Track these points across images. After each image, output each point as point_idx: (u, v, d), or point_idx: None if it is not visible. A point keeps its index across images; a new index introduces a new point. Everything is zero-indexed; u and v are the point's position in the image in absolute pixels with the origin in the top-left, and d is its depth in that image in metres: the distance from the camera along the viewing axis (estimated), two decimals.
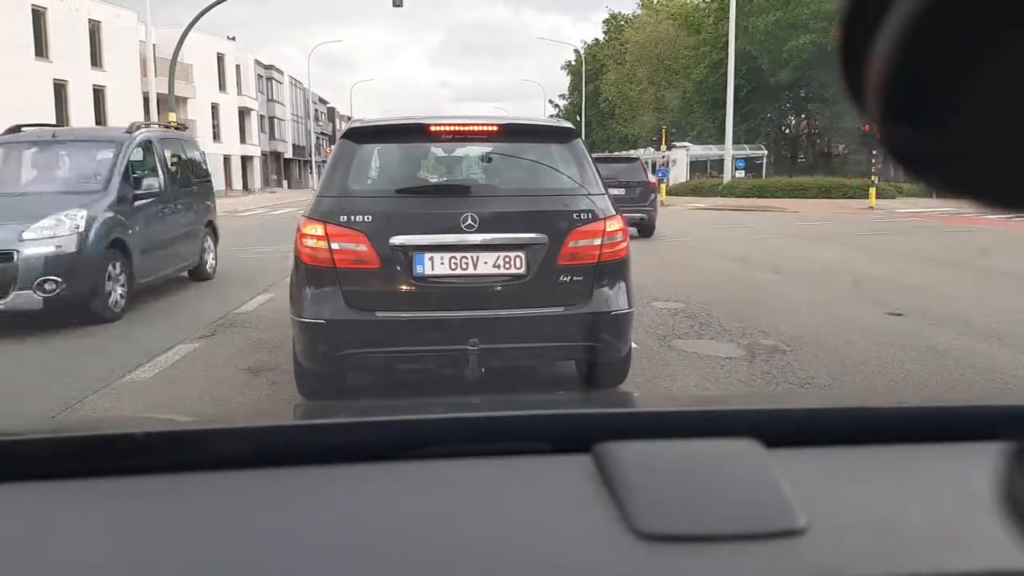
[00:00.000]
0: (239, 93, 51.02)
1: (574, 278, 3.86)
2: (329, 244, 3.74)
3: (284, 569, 0.74)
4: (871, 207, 25.18)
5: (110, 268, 6.87)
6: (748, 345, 5.71)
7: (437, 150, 4.86)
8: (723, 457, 0.91)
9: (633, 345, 4.35)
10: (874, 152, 26.38)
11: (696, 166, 43.63)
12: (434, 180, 4.77)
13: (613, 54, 58.91)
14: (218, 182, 46.01)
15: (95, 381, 4.82)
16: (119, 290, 6.99)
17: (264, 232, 17.39)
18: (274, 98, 60.98)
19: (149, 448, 0.97)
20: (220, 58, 47.97)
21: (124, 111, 37.45)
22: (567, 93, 78.08)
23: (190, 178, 9.55)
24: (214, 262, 10.04)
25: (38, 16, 32.57)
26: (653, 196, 15.09)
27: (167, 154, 8.81)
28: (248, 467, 0.93)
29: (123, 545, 0.79)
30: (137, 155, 8.00)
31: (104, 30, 36.54)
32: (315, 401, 4.05)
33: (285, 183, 64.04)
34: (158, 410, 4.61)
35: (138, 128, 8.55)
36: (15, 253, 6.25)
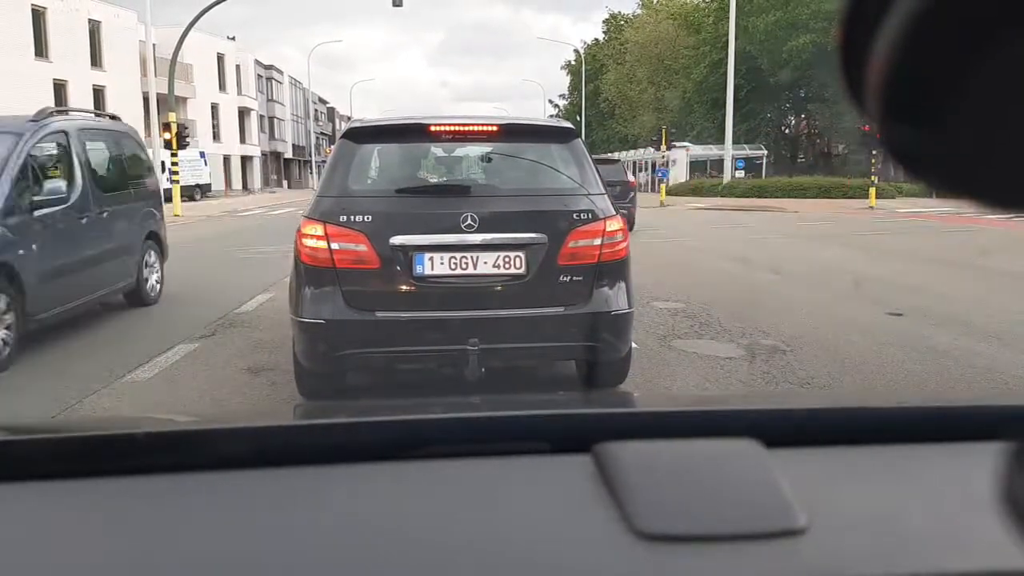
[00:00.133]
0: (239, 93, 51.02)
1: (574, 278, 3.86)
2: (329, 244, 3.74)
3: (284, 569, 0.74)
4: (871, 207, 25.20)
5: None
6: (748, 345, 5.71)
7: (437, 150, 4.87)
8: (723, 457, 0.91)
9: (633, 345, 4.35)
10: (874, 152, 26.40)
11: (696, 166, 43.62)
12: (434, 180, 4.77)
13: (613, 54, 58.89)
14: (218, 182, 46.15)
15: (95, 381, 4.82)
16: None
17: (264, 232, 17.39)
18: (274, 98, 60.99)
19: (149, 448, 0.97)
20: (220, 58, 47.98)
21: (124, 111, 37.40)
22: (567, 93, 78.12)
23: (124, 180, 7.58)
24: (158, 283, 8.08)
25: (38, 16, 32.57)
26: (632, 194, 16.64)
27: (92, 149, 7.00)
28: (248, 467, 0.93)
29: (123, 545, 0.79)
30: (44, 150, 6.34)
31: (104, 30, 36.54)
32: (315, 401, 4.05)
33: (285, 183, 64.05)
34: (158, 410, 4.62)
35: (49, 115, 6.64)
36: None
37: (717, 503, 0.81)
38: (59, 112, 7.35)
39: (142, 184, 8.04)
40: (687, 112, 48.97)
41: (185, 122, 31.27)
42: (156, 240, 8.23)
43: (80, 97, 34.70)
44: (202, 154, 38.96)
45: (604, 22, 67.18)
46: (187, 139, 24.59)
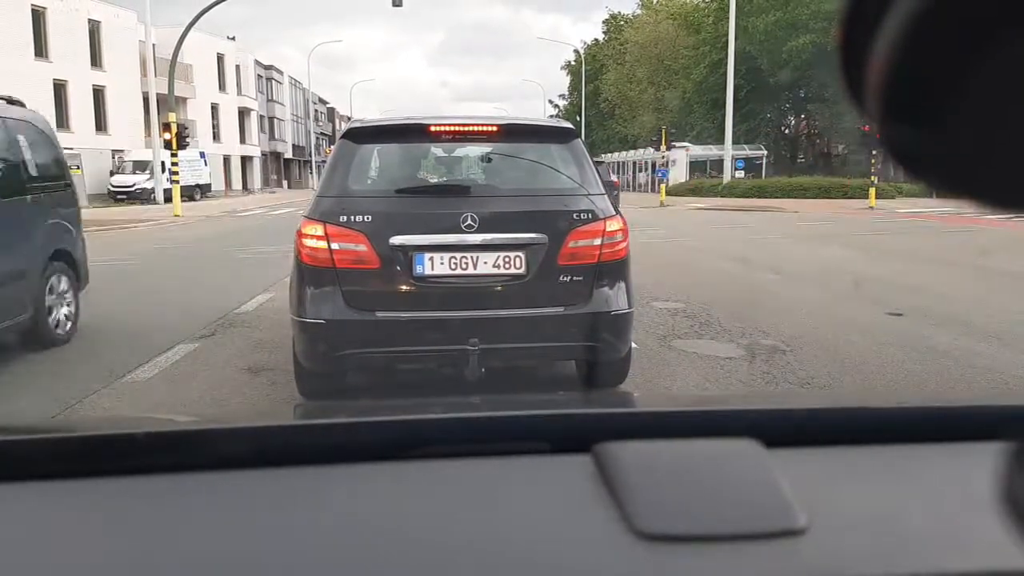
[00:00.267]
0: (239, 93, 51.02)
1: (574, 278, 3.86)
2: (329, 244, 3.74)
3: (284, 569, 0.74)
4: (871, 207, 25.21)
5: None
6: (748, 345, 5.71)
7: (437, 150, 4.86)
8: (723, 457, 0.91)
9: (633, 345, 4.35)
10: (874, 152, 26.42)
11: (696, 166, 43.64)
12: (434, 180, 4.77)
13: (613, 54, 58.91)
14: (218, 182, 46.17)
15: (95, 381, 4.82)
16: None
17: (264, 232, 17.39)
18: (274, 98, 60.98)
19: (149, 448, 0.97)
20: (220, 58, 47.98)
21: (124, 111, 37.50)
22: (567, 93, 78.13)
23: (18, 183, 5.74)
24: (69, 318, 6.13)
25: (38, 16, 32.58)
26: (616, 193, 17.11)
27: None
28: (248, 467, 0.93)
29: (123, 545, 0.79)
30: None
31: (104, 30, 36.55)
32: (315, 401, 4.05)
33: (285, 183, 64.05)
34: (158, 410, 4.61)
35: None
36: None
37: (717, 503, 0.81)
38: None
39: (48, 188, 6.15)
40: (687, 112, 48.98)
41: (185, 122, 31.28)
42: (68, 261, 6.22)
43: (80, 97, 34.75)
44: (202, 154, 38.97)
45: (604, 22, 67.27)
46: (187, 139, 24.60)
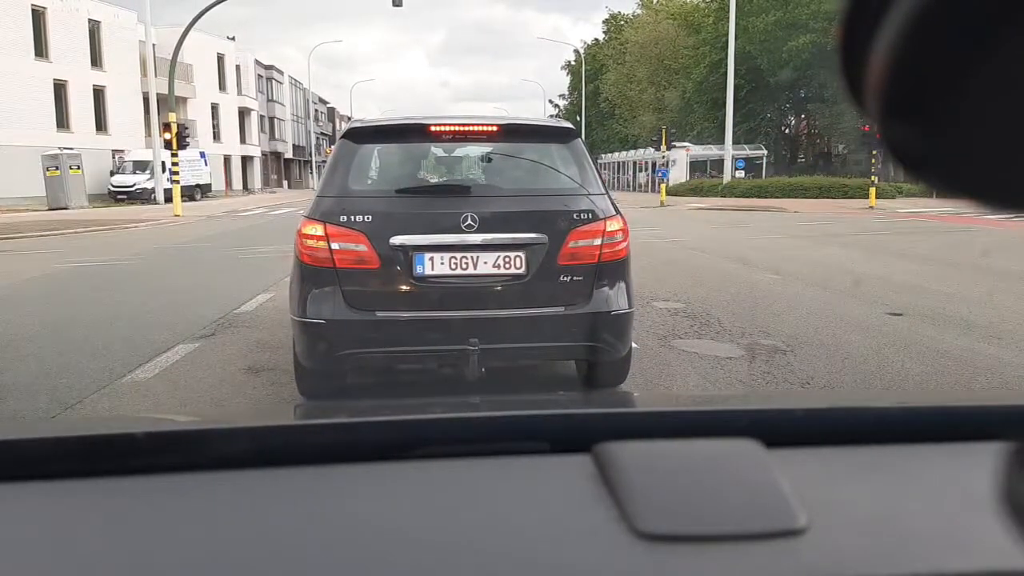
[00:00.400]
0: (239, 93, 51.02)
1: (574, 278, 3.86)
2: (329, 244, 3.74)
3: (284, 569, 0.74)
4: (871, 207, 25.21)
5: None
6: (748, 345, 5.71)
7: (437, 150, 4.86)
8: (723, 457, 0.91)
9: (633, 345, 4.35)
10: (874, 152, 26.43)
11: (696, 166, 43.64)
12: (434, 180, 4.77)
13: (613, 54, 58.92)
14: (218, 182, 46.29)
15: (95, 381, 4.82)
16: None
17: (264, 232, 17.39)
18: (274, 98, 60.99)
19: (149, 448, 0.97)
20: (220, 58, 47.98)
21: (124, 111, 37.51)
22: (567, 93, 78.16)
23: None
24: None
25: (38, 16, 32.58)
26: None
27: None
28: (248, 467, 0.93)
29: (123, 545, 0.79)
30: None
31: (104, 30, 36.55)
32: (315, 401, 4.05)
33: (285, 183, 64.05)
34: (158, 410, 4.61)
35: None
36: None
37: (717, 503, 0.81)
38: None
39: None
40: (687, 112, 48.98)
41: (185, 122, 31.27)
42: None
43: (80, 97, 34.76)
44: (202, 154, 38.98)
45: (604, 22, 67.34)
46: (187, 139, 24.61)
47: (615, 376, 4.22)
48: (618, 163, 54.09)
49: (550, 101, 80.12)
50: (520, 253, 3.83)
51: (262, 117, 57.41)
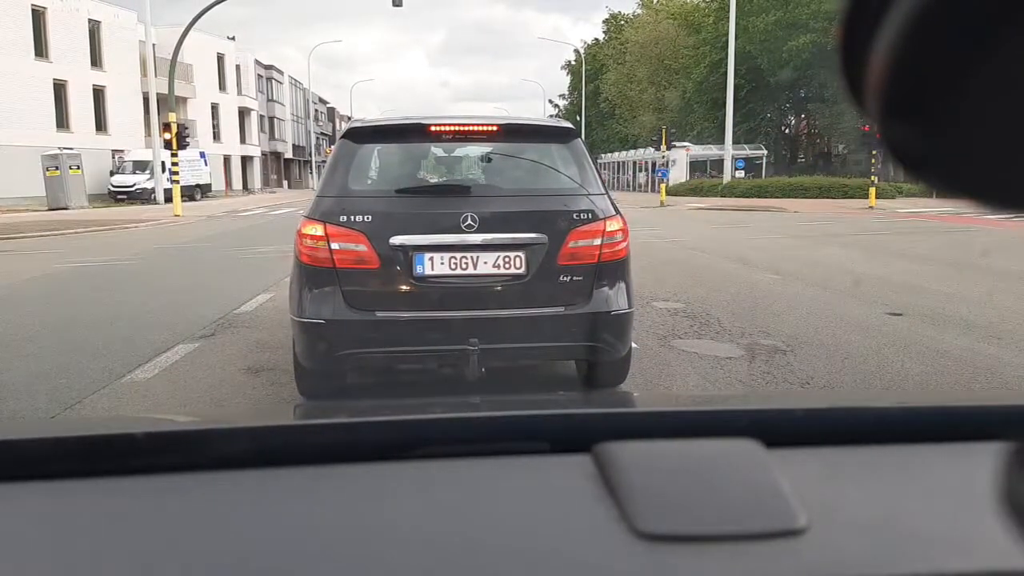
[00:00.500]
0: (239, 93, 51.02)
1: (574, 278, 3.86)
2: (329, 244, 3.74)
3: (284, 569, 0.74)
4: (871, 207, 25.22)
5: None
6: (748, 345, 5.71)
7: (437, 150, 4.86)
8: (723, 457, 0.91)
9: (633, 345, 4.35)
10: (874, 152, 26.43)
11: (696, 166, 43.65)
12: (434, 180, 4.76)
13: (613, 54, 58.93)
14: (218, 182, 46.30)
15: (95, 381, 4.82)
16: None
17: (264, 232, 17.39)
18: (274, 98, 60.99)
19: (149, 448, 0.97)
20: (220, 58, 47.97)
21: (124, 111, 37.51)
22: (567, 93, 78.18)
23: None
24: None
25: (38, 16, 32.58)
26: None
27: None
28: (248, 467, 0.93)
29: (123, 545, 0.79)
30: None
31: (104, 30, 36.55)
32: (315, 401, 4.05)
33: (285, 183, 64.05)
34: (158, 410, 4.61)
35: None
36: None
37: (717, 503, 0.81)
38: None
39: None
40: (687, 112, 48.99)
41: (185, 122, 31.27)
42: None
43: (80, 97, 34.76)
44: (202, 154, 38.97)
45: (604, 22, 67.35)
46: (187, 139, 24.61)
47: (615, 376, 4.22)
48: (618, 163, 54.09)
49: (550, 101, 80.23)
50: (520, 253, 3.83)
51: (262, 117, 57.41)
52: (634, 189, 48.61)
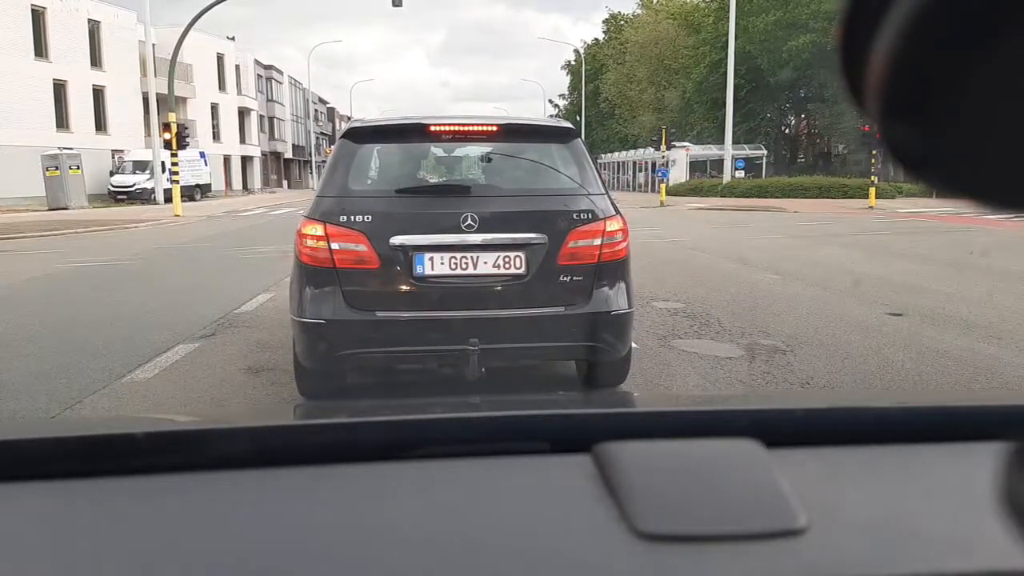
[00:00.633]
0: (239, 93, 51.01)
1: (574, 278, 3.86)
2: (329, 244, 3.74)
3: (284, 569, 0.74)
4: (871, 207, 25.22)
5: None
6: (748, 345, 5.71)
7: (437, 150, 4.86)
8: (723, 457, 0.91)
9: (633, 345, 4.35)
10: (874, 152, 26.43)
11: (696, 166, 43.64)
12: (434, 180, 4.76)
13: (613, 54, 58.93)
14: (218, 182, 46.30)
15: (95, 381, 4.82)
16: None
17: (264, 232, 17.39)
18: (274, 98, 60.98)
19: (149, 448, 0.97)
20: (220, 58, 47.97)
21: (124, 111, 37.51)
22: (567, 93, 78.19)
23: None
24: None
25: (38, 16, 32.58)
26: None
27: None
28: (248, 467, 0.93)
29: (123, 545, 0.79)
30: None
31: (104, 30, 36.55)
32: (315, 401, 4.05)
33: (285, 183, 64.05)
34: (158, 410, 4.61)
35: None
36: None
37: (717, 503, 0.81)
38: None
39: None
40: (687, 112, 48.98)
41: (185, 122, 31.27)
42: None
43: (79, 97, 34.76)
44: (202, 154, 38.97)
45: (604, 22, 67.35)
46: (187, 139, 24.61)
47: (615, 376, 4.22)
48: (618, 163, 54.09)
49: (550, 101, 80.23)
50: (520, 253, 3.83)
51: (262, 117, 57.41)
52: (634, 189, 48.61)
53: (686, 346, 5.70)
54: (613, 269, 3.93)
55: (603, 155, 55.90)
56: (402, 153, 4.42)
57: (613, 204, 4.02)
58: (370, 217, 3.76)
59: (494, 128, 4.09)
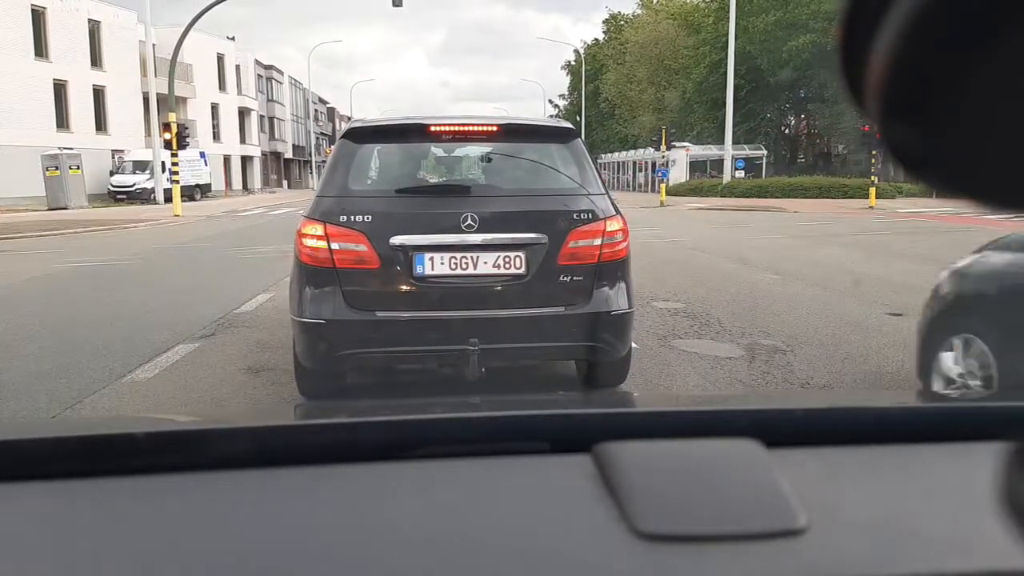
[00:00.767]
0: (239, 93, 51.01)
1: (574, 278, 3.86)
2: (329, 244, 3.74)
3: (284, 569, 0.74)
4: (871, 207, 25.22)
5: None
6: (748, 345, 5.71)
7: (437, 150, 4.86)
8: (723, 457, 0.91)
9: (633, 345, 4.35)
10: (874, 152, 26.43)
11: (696, 166, 43.64)
12: (434, 180, 4.77)
13: (613, 54, 58.91)
14: (218, 182, 46.31)
15: (95, 381, 4.82)
16: None
17: (264, 232, 17.39)
18: (274, 98, 60.98)
19: (149, 448, 0.97)
20: (220, 58, 47.96)
21: (124, 111, 37.50)
22: (567, 93, 78.17)
23: None
24: None
25: (38, 16, 32.57)
26: None
27: None
28: (248, 467, 0.93)
29: (123, 545, 0.79)
30: None
31: (104, 30, 36.55)
32: (315, 401, 4.05)
33: (285, 183, 64.05)
34: (158, 410, 4.61)
35: None
36: None
37: (717, 503, 0.81)
38: None
39: None
40: (687, 112, 48.98)
41: (185, 122, 31.26)
42: None
43: (80, 97, 34.76)
44: (202, 154, 38.96)
45: (604, 22, 67.34)
46: (187, 139, 24.61)
47: (615, 376, 4.22)
48: (618, 163, 54.09)
49: (550, 101, 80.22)
50: (520, 253, 3.83)
51: (262, 117, 57.41)
52: (634, 189, 48.61)
53: (686, 346, 5.70)
54: (613, 269, 3.93)
55: (603, 155, 55.90)
56: (402, 153, 4.43)
57: (613, 204, 4.02)
58: (370, 217, 3.76)
59: (494, 128, 4.09)
